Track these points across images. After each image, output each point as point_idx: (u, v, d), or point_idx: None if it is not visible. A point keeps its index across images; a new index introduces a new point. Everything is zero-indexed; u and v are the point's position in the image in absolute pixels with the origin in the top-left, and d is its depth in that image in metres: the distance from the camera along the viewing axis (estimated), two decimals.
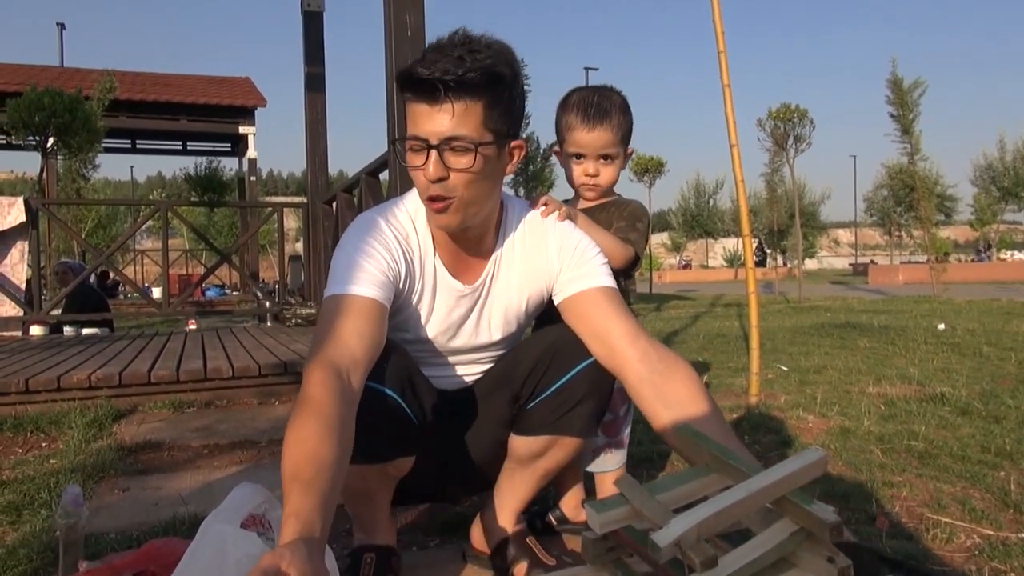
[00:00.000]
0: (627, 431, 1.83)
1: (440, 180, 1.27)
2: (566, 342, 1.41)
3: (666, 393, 1.26)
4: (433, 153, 1.25)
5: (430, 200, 1.31)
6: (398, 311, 1.40)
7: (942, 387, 3.48)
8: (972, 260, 33.83)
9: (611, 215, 1.72)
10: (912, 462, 2.33)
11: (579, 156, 1.71)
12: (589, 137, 1.68)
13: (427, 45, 1.29)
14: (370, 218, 1.41)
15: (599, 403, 1.45)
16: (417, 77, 1.22)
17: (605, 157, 1.71)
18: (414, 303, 1.42)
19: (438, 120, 1.24)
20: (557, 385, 1.42)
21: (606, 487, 1.82)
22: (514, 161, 1.39)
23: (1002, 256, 36.73)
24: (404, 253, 1.38)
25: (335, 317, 1.24)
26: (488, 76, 1.24)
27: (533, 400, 1.45)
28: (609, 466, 1.80)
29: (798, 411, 3.10)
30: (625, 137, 1.72)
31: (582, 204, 1.76)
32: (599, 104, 1.67)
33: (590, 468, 1.82)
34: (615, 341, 1.34)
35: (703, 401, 1.26)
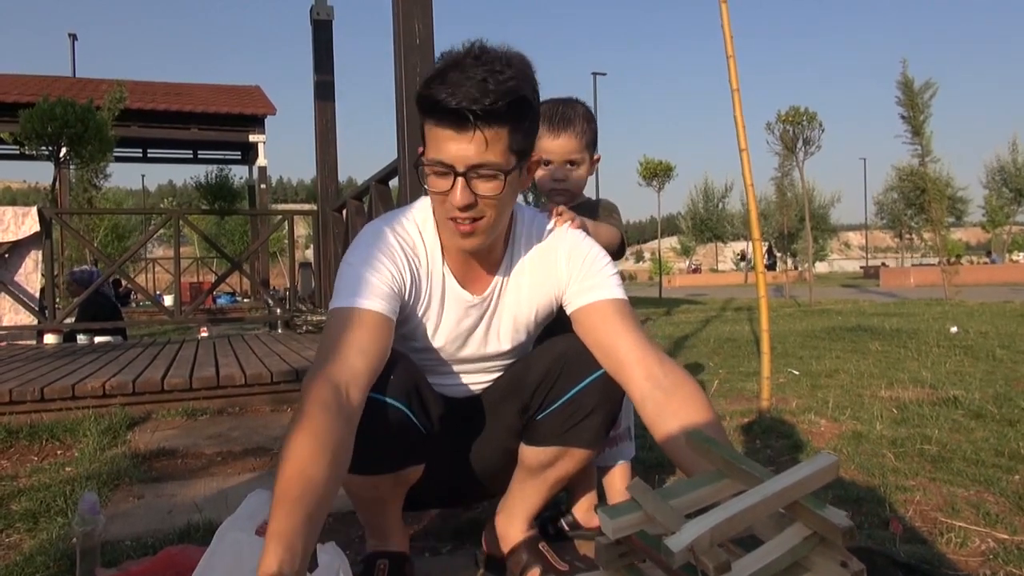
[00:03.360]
0: (630, 423, 1.85)
1: (468, 207, 1.26)
2: (576, 353, 1.41)
3: (667, 410, 1.24)
4: (460, 180, 1.24)
5: (456, 224, 1.30)
6: (404, 321, 1.40)
7: (955, 390, 3.46)
8: (984, 262, 33.58)
9: (582, 214, 1.76)
10: (925, 466, 2.32)
11: (547, 163, 1.79)
12: (555, 144, 1.78)
13: (442, 58, 1.26)
14: (377, 229, 1.41)
15: (609, 414, 1.45)
16: (444, 106, 1.19)
17: (571, 163, 1.80)
18: (420, 313, 1.42)
19: (465, 147, 1.22)
20: (567, 397, 1.42)
21: (613, 482, 1.83)
22: (531, 176, 1.40)
23: (1015, 258, 36.45)
24: (410, 264, 1.38)
25: (338, 331, 1.24)
26: (513, 102, 1.22)
27: (543, 411, 1.45)
28: (616, 460, 1.83)
29: (810, 415, 3.09)
30: (590, 144, 1.82)
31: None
32: (563, 113, 1.78)
33: (596, 462, 1.82)
34: (622, 356, 1.32)
35: (703, 418, 1.23)
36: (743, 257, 47.81)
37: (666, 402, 1.25)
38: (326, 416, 1.10)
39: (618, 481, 1.84)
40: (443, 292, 1.43)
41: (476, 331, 1.48)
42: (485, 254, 1.43)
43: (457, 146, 1.22)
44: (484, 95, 1.18)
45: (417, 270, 1.39)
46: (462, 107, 1.18)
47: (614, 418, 1.48)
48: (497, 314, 1.48)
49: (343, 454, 1.11)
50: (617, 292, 1.41)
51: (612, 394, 1.40)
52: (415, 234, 1.42)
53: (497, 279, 1.46)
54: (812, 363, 4.70)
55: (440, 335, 1.45)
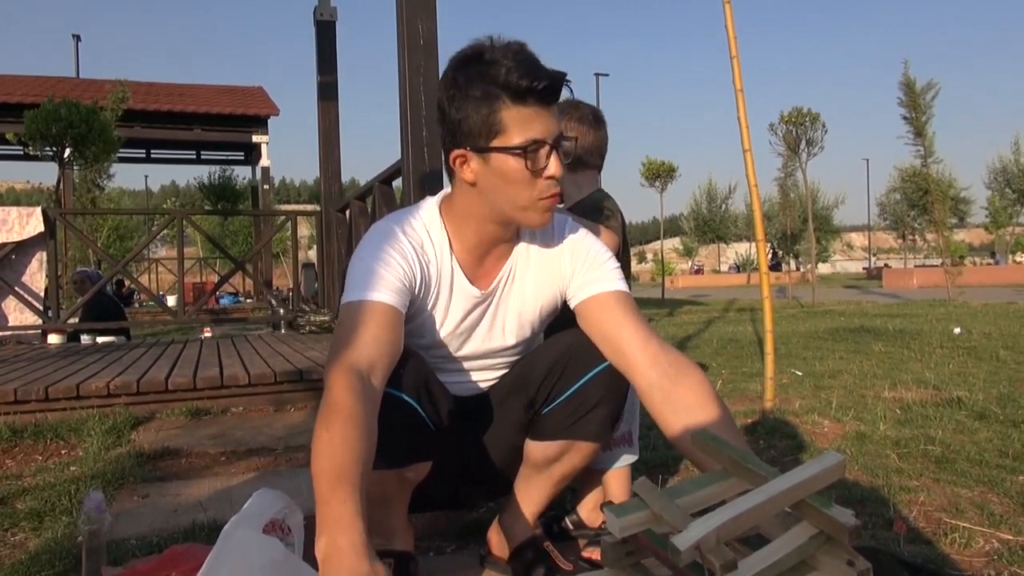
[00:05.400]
0: (631, 427, 1.82)
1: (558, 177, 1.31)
2: (581, 346, 1.42)
3: (675, 398, 1.26)
4: (554, 152, 1.29)
5: (543, 201, 1.32)
6: (413, 317, 1.41)
7: (959, 391, 3.45)
8: (988, 263, 33.53)
9: (583, 210, 1.76)
10: (929, 467, 2.32)
11: None
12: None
13: (470, 53, 1.29)
14: (385, 227, 1.42)
15: (614, 407, 1.46)
16: (536, 87, 1.24)
17: None
18: (429, 309, 1.43)
19: (550, 120, 1.28)
20: (572, 390, 1.43)
21: (613, 484, 1.82)
22: None
23: (1018, 259, 36.37)
24: (420, 260, 1.38)
25: (353, 323, 1.25)
26: None
27: (548, 405, 1.46)
28: (613, 463, 1.80)
29: (813, 416, 3.09)
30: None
31: None
32: None
33: (593, 465, 1.80)
34: (626, 346, 1.34)
35: (713, 407, 1.25)
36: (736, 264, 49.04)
37: (673, 390, 1.27)
38: (358, 401, 1.12)
39: (615, 485, 1.82)
40: (451, 287, 1.43)
41: (480, 325, 1.48)
42: (501, 246, 1.44)
43: (544, 121, 1.28)
44: (556, 72, 1.27)
45: (427, 266, 1.40)
46: (552, 83, 1.25)
47: (620, 411, 1.49)
48: (501, 308, 1.49)
49: (375, 439, 1.13)
50: (620, 284, 1.43)
51: (617, 386, 1.42)
52: (423, 232, 1.42)
53: (502, 274, 1.47)
54: (815, 364, 4.70)
55: (445, 330, 1.45)
